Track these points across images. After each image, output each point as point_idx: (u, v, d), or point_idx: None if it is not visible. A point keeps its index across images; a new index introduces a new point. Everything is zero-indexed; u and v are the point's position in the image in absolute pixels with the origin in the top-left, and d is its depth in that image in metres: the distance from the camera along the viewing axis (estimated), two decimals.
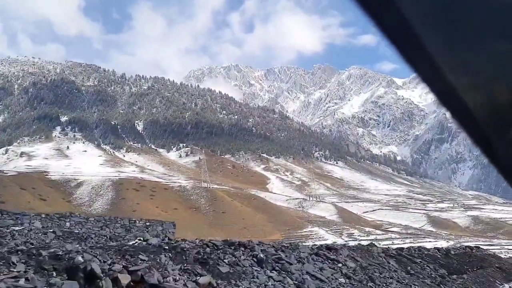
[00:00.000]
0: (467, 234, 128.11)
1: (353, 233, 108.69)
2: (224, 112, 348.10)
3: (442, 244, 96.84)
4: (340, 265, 15.44)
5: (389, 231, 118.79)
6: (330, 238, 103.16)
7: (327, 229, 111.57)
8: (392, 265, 18.71)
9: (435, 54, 0.99)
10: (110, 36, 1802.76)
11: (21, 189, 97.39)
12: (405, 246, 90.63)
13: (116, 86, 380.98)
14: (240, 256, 12.38)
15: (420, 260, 21.54)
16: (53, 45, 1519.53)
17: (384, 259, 19.14)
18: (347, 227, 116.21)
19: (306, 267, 13.63)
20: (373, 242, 28.00)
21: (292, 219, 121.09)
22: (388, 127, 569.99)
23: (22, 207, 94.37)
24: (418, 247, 27.62)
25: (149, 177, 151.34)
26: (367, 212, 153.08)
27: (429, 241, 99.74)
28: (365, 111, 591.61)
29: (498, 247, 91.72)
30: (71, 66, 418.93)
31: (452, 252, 26.59)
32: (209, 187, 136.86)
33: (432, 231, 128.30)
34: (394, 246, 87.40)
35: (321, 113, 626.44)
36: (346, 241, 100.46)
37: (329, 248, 17.95)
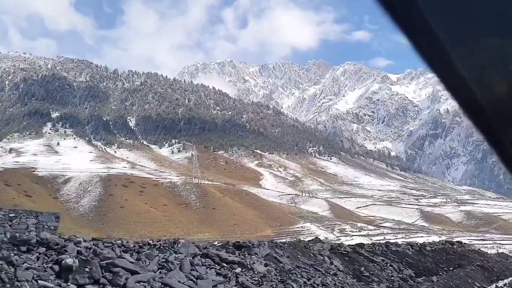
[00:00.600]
0: (460, 229, 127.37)
1: (345, 229, 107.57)
2: (218, 108, 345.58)
3: (434, 239, 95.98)
4: (239, 270, 11.03)
5: (381, 226, 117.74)
6: (321, 234, 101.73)
7: (319, 225, 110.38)
8: (334, 266, 14.77)
9: (447, 45, 1.03)
10: (102, 32, 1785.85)
11: (6, 185, 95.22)
12: (398, 241, 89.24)
13: (108, 82, 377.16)
14: (23, 264, 7.43)
15: (382, 258, 17.96)
16: (44, 40, 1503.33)
17: (326, 259, 15.23)
18: (339, 223, 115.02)
19: (171, 275, 9.17)
20: (318, 237, 25.10)
21: (284, 215, 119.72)
22: (382, 123, 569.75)
23: (6, 203, 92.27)
24: (386, 242, 23.60)
25: (139, 173, 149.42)
26: (360, 207, 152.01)
27: (421, 236, 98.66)
28: (360, 107, 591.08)
29: (490, 242, 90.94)
30: (63, 61, 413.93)
31: (428, 248, 23.05)
32: (200, 183, 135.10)
33: (424, 226, 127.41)
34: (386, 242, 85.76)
35: (316, 109, 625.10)
36: (338, 236, 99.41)
37: (238, 246, 13.24)
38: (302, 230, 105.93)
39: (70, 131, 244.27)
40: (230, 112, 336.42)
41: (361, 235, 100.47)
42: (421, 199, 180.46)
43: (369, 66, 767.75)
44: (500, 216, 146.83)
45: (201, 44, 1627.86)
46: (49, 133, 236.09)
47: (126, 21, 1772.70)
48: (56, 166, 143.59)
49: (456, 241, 27.81)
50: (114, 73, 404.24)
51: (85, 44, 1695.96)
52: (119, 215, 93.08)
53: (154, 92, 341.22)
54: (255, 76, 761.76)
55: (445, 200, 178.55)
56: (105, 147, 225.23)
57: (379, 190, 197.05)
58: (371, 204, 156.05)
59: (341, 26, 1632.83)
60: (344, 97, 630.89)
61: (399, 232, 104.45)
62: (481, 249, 30.87)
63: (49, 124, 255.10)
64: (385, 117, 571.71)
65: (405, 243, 24.25)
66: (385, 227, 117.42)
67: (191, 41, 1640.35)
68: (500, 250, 51.09)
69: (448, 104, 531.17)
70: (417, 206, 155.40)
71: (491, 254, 27.35)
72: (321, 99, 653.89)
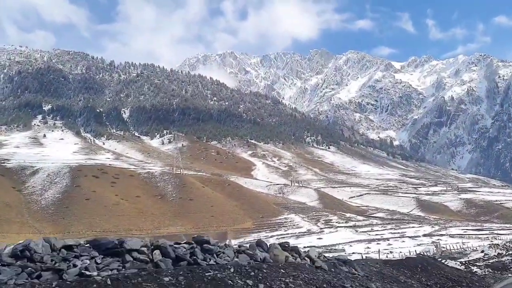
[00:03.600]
0: (458, 218, 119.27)
1: (331, 220, 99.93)
2: (215, 98, 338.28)
3: (426, 230, 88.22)
4: None
5: (372, 217, 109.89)
6: (305, 226, 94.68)
7: (304, 216, 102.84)
8: None
9: None
10: (101, 26, 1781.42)
11: None
12: (386, 232, 79.56)
13: (104, 73, 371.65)
14: None
15: None
16: (41, 33, 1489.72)
17: None
18: (326, 213, 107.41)
19: None
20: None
21: (268, 205, 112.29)
22: (386, 111, 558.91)
23: None
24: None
25: (120, 164, 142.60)
26: (353, 197, 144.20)
27: (413, 227, 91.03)
28: (363, 95, 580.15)
29: (487, 232, 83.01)
30: (59, 54, 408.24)
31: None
32: (183, 174, 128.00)
33: (420, 216, 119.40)
34: (373, 233, 76.76)
35: (318, 99, 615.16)
36: (321, 228, 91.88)
37: None
38: (285, 222, 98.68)
39: (60, 123, 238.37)
40: (227, 103, 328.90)
41: (347, 226, 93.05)
42: (420, 187, 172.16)
43: (372, 55, 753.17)
44: (503, 204, 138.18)
45: (201, 37, 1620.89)
46: (37, 125, 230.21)
47: (124, 15, 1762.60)
48: (33, 157, 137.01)
49: (282, 243, 11.20)
50: (110, 65, 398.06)
51: (84, 38, 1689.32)
52: (83, 208, 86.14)
53: (150, 83, 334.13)
54: (257, 67, 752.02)
55: (445, 188, 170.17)
56: (94, 138, 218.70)
57: (376, 179, 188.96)
58: (365, 194, 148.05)
59: (342, 15, 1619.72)
60: (346, 86, 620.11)
61: (389, 223, 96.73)
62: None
63: (39, 117, 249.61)
64: (388, 105, 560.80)
65: None
66: (376, 217, 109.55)
67: (191, 34, 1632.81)
68: (482, 244, 43.09)
69: (453, 91, 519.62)
70: (414, 195, 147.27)
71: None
72: (323, 89, 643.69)
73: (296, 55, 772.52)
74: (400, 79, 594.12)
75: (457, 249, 39.00)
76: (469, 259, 24.83)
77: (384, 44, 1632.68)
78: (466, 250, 38.00)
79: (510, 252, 26.38)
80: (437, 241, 67.66)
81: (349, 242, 71.57)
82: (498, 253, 27.12)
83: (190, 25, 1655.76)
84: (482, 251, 29.14)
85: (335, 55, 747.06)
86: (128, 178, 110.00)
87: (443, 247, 51.84)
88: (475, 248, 36.81)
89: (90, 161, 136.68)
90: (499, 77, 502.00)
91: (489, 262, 21.07)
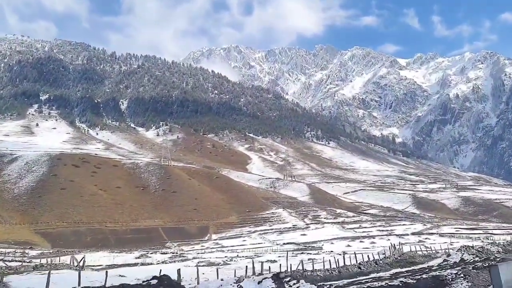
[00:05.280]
0: (455, 216, 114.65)
1: (320, 215, 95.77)
2: (216, 91, 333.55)
3: (417, 228, 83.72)
4: None
5: (363, 213, 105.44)
6: (291, 221, 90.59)
7: (292, 211, 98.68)
8: None
9: None
10: (106, 17, 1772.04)
11: None
12: (373, 230, 75.15)
13: (105, 64, 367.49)
14: None
15: None
16: (43, 23, 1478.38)
17: None
18: (316, 209, 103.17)
19: None
20: None
21: (256, 200, 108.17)
22: (389, 108, 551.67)
23: None
24: None
25: (109, 154, 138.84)
26: (348, 193, 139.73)
27: (404, 225, 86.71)
28: (367, 92, 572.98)
29: (481, 231, 78.48)
30: (60, 44, 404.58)
31: None
32: (170, 165, 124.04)
33: (414, 213, 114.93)
34: (361, 230, 72.16)
35: (322, 95, 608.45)
36: (308, 224, 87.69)
37: None
38: (272, 217, 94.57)
39: (55, 113, 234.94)
40: (227, 96, 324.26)
41: (335, 222, 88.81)
42: (418, 184, 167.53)
43: (377, 52, 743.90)
44: (503, 203, 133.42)
45: (205, 31, 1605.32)
46: (32, 114, 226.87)
47: (128, 6, 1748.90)
48: (19, 146, 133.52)
49: None
50: (111, 56, 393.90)
51: (86, 30, 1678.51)
52: (57, 198, 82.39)
53: (150, 75, 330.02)
54: (261, 62, 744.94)
55: (444, 185, 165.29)
56: (89, 128, 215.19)
57: (374, 175, 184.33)
58: (360, 190, 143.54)
59: (348, 12, 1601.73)
60: (351, 82, 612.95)
61: (379, 220, 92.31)
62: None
63: (35, 106, 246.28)
64: (392, 102, 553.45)
65: None
66: (368, 214, 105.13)
67: (195, 28, 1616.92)
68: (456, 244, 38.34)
69: (458, 88, 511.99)
70: (411, 192, 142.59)
71: None
72: (327, 85, 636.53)
73: (301, 50, 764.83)
74: (405, 76, 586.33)
75: (428, 250, 34.47)
76: (370, 276, 20.37)
77: (390, 41, 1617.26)
78: (437, 252, 33.46)
79: (477, 259, 21.88)
80: (425, 240, 63.36)
81: (332, 239, 67.48)
82: (461, 258, 22.56)
83: (194, 19, 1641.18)
84: (449, 255, 24.61)
85: (340, 50, 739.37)
86: (111, 168, 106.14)
87: (428, 247, 47.35)
88: (451, 250, 32.29)
89: (77, 150, 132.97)
90: (506, 75, 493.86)
91: (414, 278, 16.64)
